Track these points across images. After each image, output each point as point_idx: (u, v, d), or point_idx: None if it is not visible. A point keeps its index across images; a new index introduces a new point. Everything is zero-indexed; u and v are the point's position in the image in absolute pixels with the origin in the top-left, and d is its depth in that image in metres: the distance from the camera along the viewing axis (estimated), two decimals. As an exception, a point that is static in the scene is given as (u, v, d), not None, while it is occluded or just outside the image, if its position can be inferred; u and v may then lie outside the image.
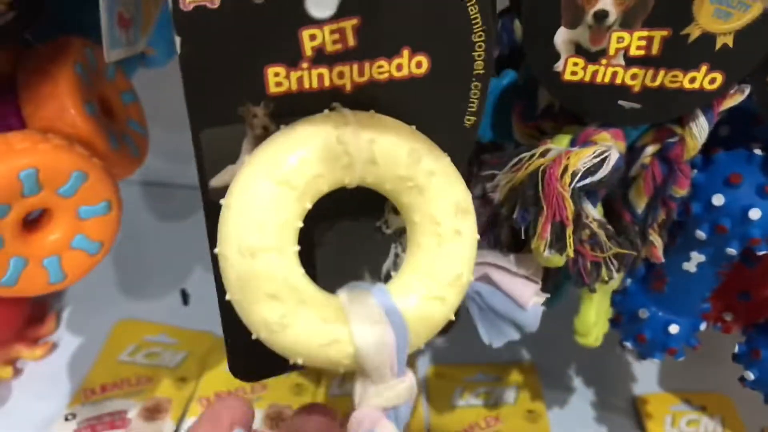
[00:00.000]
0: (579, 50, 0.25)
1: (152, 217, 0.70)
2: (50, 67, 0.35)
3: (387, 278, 0.27)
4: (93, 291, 0.58)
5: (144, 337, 0.57)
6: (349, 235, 0.27)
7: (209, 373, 0.54)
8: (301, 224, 0.22)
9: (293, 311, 0.22)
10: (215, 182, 0.23)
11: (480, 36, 0.22)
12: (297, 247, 0.22)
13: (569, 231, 0.26)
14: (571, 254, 0.26)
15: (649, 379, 0.55)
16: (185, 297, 0.61)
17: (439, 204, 0.24)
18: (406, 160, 0.23)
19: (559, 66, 0.25)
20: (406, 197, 0.24)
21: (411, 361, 0.56)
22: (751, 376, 0.36)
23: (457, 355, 0.56)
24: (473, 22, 0.22)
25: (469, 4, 0.22)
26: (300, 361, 0.22)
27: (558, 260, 0.27)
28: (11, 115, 0.35)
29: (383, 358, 0.23)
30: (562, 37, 0.24)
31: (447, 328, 0.28)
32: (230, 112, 0.22)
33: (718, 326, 0.40)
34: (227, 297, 0.22)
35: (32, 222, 0.35)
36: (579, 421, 0.52)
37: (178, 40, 0.20)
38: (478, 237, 0.24)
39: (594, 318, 0.33)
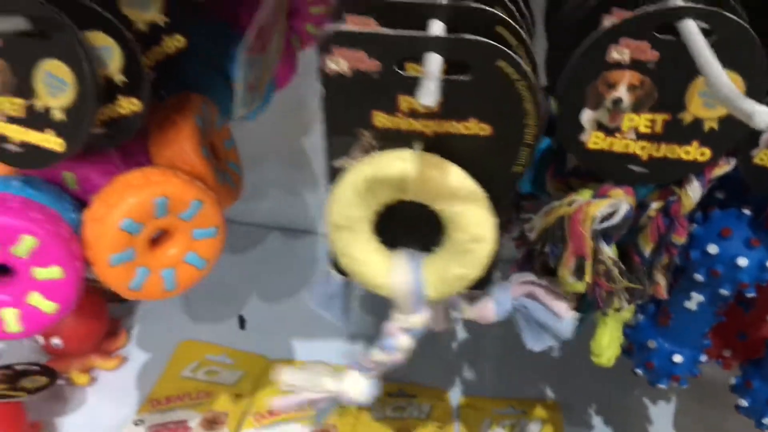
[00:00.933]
0: (599, 126, 0.33)
1: (216, 249, 0.77)
2: (176, 117, 0.43)
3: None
4: (160, 312, 0.65)
5: (205, 356, 0.63)
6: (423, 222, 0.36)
7: (263, 391, 0.59)
8: (371, 216, 0.35)
9: (353, 264, 0.36)
10: (335, 164, 0.35)
11: (531, 119, 0.31)
12: (367, 228, 0.35)
13: (588, 263, 0.33)
14: (589, 280, 0.33)
15: (665, 421, 0.59)
16: (242, 322, 0.67)
17: (461, 233, 0.34)
18: (443, 200, 0.33)
19: (584, 138, 0.33)
20: (444, 220, 0.34)
21: (443, 393, 0.62)
22: (744, 403, 0.42)
23: (489, 389, 0.61)
24: (526, 109, 0.31)
25: (523, 100, 0.31)
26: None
27: (579, 287, 0.34)
28: (141, 153, 0.43)
29: (403, 299, 0.36)
30: (587, 116, 0.32)
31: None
32: (349, 129, 0.33)
33: (719, 362, 0.46)
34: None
35: (154, 239, 0.43)
36: (596, 456, 0.55)
37: (323, 89, 0.32)
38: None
39: (607, 341, 0.40)
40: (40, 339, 0.59)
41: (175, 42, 0.42)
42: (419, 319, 0.37)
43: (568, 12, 0.34)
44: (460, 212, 0.32)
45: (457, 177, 0.32)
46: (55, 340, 0.59)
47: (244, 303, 0.69)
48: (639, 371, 0.44)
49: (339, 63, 0.29)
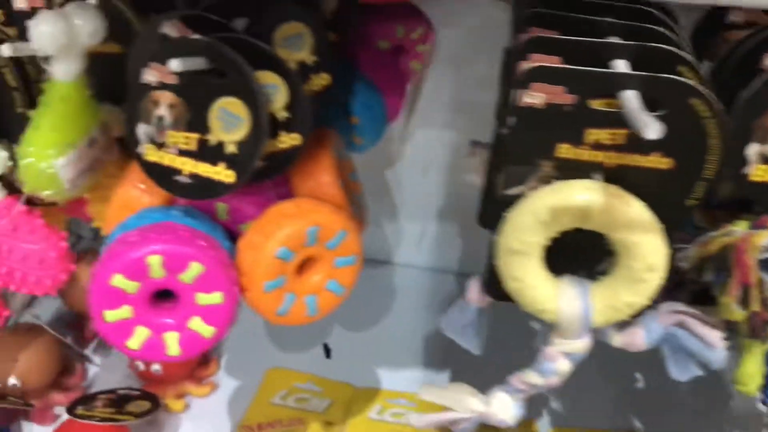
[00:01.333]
0: (764, 159, 0.34)
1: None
2: (316, 150, 0.45)
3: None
4: (248, 341, 0.66)
5: (293, 384, 0.63)
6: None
7: (354, 419, 0.60)
8: (544, 242, 0.36)
9: (522, 288, 0.37)
10: (508, 191, 0.36)
11: (714, 156, 0.33)
12: (539, 253, 0.36)
13: (754, 292, 0.34)
14: (758, 308, 0.34)
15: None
16: (328, 351, 0.68)
17: (637, 261, 0.35)
18: (622, 230, 0.34)
19: (748, 170, 0.34)
20: (619, 248, 0.35)
21: (531, 423, 0.62)
22: None
23: (575, 419, 0.62)
24: (712, 145, 0.32)
25: (710, 137, 0.32)
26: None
27: (740, 315, 0.35)
28: (283, 184, 0.45)
29: (569, 324, 0.37)
30: (753, 149, 0.34)
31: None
32: (529, 159, 0.35)
33: None
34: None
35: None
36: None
37: (513, 119, 0.33)
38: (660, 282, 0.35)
39: (753, 370, 0.40)
40: (141, 365, 0.61)
41: (321, 80, 0.44)
42: (582, 344, 0.38)
43: (723, 55, 0.36)
44: (637, 242, 0.34)
45: (637, 208, 0.34)
46: (155, 366, 0.60)
47: (327, 331, 0.69)
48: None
49: (535, 96, 0.31)
